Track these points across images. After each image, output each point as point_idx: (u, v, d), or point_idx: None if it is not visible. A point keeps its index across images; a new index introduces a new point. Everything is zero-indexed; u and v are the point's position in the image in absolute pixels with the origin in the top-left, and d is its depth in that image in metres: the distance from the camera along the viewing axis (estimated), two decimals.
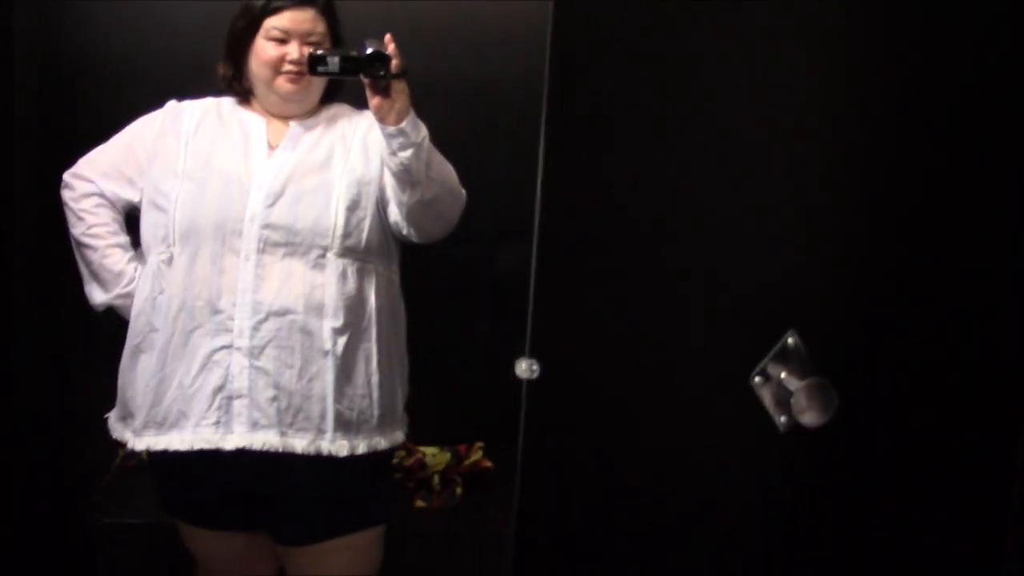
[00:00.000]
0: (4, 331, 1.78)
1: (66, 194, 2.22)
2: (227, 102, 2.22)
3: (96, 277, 2.20)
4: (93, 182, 2.20)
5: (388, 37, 1.94)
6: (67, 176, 2.23)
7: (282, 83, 2.11)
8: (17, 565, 2.78)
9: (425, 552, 2.61)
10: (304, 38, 2.10)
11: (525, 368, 1.64)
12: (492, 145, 2.80)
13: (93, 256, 2.19)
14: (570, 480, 1.70)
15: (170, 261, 2.05)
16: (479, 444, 2.88)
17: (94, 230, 2.19)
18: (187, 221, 2.03)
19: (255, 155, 2.10)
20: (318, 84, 2.16)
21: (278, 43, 2.10)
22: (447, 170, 2.10)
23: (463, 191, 2.15)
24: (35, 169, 2.61)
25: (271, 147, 2.12)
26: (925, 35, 1.57)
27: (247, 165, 2.08)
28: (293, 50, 2.09)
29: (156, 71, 2.64)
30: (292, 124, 2.15)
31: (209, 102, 2.22)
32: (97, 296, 2.21)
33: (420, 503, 2.72)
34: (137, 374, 2.08)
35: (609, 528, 1.73)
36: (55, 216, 2.24)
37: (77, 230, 2.20)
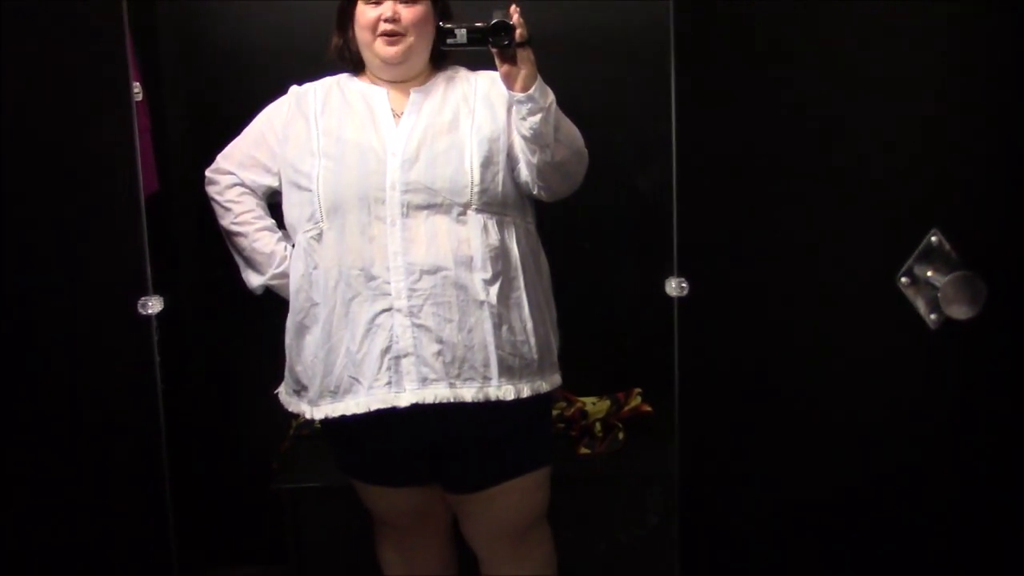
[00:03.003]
0: (174, 319, 1.86)
1: (210, 189, 2.29)
2: (345, 78, 2.25)
3: (250, 262, 2.27)
4: (233, 173, 2.27)
5: (513, 7, 1.97)
6: (208, 172, 2.30)
7: (380, 46, 2.12)
8: (209, 530, 2.97)
9: (593, 496, 2.66)
10: None
11: (674, 287, 1.66)
12: (624, 95, 2.85)
13: (244, 242, 2.25)
14: (727, 393, 1.70)
15: (319, 237, 2.10)
16: (637, 390, 2.89)
17: (241, 217, 2.25)
18: (331, 196, 2.08)
19: (383, 125, 2.13)
20: (421, 48, 2.16)
21: (374, 5, 2.12)
22: (574, 132, 2.14)
23: (586, 152, 2.18)
24: (188, 162, 2.71)
25: (396, 115, 2.14)
26: None
27: (378, 135, 2.11)
28: (386, 9, 2.10)
29: (289, 60, 2.68)
30: (412, 91, 2.17)
31: (329, 80, 2.25)
32: (254, 280, 2.28)
33: (584, 450, 2.75)
34: (304, 347, 2.14)
35: (768, 443, 1.72)
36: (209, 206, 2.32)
37: (226, 220, 2.27)
